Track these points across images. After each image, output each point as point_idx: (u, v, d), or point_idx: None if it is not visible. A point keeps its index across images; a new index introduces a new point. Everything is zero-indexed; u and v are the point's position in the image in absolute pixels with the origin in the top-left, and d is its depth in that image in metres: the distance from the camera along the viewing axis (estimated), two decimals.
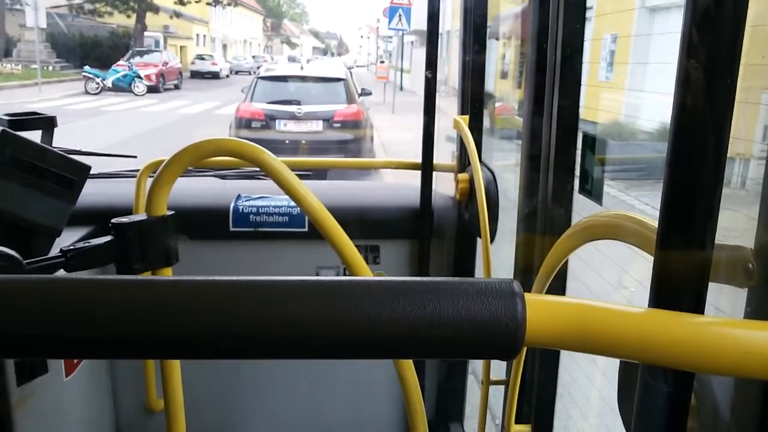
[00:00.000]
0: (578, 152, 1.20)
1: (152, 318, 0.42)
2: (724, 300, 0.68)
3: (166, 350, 0.47)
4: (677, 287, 0.53)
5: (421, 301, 0.42)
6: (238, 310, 0.42)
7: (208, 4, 38.42)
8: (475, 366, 2.61)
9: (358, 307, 0.42)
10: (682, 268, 0.53)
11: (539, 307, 0.44)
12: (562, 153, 1.16)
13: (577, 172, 1.22)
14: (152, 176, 1.17)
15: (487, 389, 1.55)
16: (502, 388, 1.52)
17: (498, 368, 1.58)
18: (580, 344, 0.45)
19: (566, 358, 1.48)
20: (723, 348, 0.43)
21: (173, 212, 1.17)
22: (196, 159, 1.14)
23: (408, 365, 1.11)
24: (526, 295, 0.43)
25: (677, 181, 0.53)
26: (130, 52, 25.65)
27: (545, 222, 1.22)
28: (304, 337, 0.42)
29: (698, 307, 0.53)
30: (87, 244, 1.13)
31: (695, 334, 0.44)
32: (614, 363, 0.82)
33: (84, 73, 21.61)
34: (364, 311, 0.42)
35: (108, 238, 1.15)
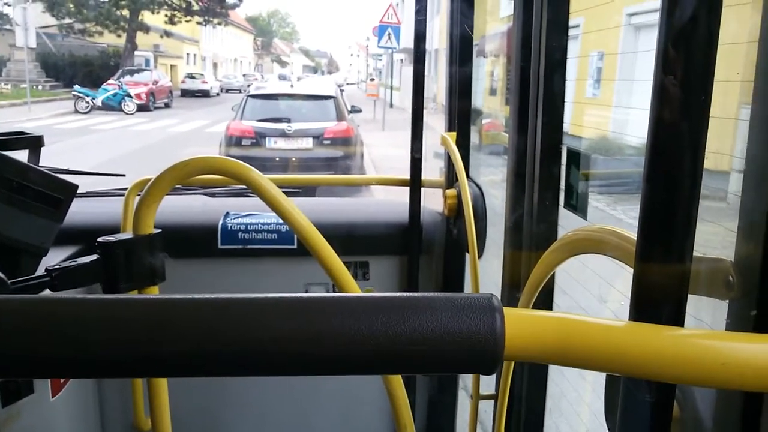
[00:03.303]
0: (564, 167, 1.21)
1: (134, 336, 0.42)
2: (707, 314, 0.68)
3: (149, 369, 0.47)
4: (657, 300, 0.53)
5: (401, 317, 0.42)
6: (218, 328, 0.42)
7: (198, 23, 38.60)
8: (467, 381, 2.60)
9: (337, 323, 0.42)
10: (661, 281, 0.53)
11: (518, 321, 0.44)
12: (546, 168, 1.17)
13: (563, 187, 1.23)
14: (141, 195, 1.17)
15: (476, 404, 1.54)
16: (494, 405, 1.51)
17: (489, 383, 1.58)
18: (561, 358, 0.45)
19: (556, 372, 1.49)
20: (700, 359, 0.43)
21: (160, 230, 1.17)
22: (183, 177, 1.14)
23: (397, 380, 1.11)
24: (505, 310, 0.44)
25: (655, 195, 0.53)
26: (120, 71, 25.68)
27: (531, 237, 1.23)
28: (284, 353, 0.43)
29: (678, 320, 0.53)
30: (72, 264, 1.12)
31: (673, 347, 0.44)
32: (603, 377, 0.82)
33: (74, 92, 21.61)
34: (343, 327, 0.42)
35: (94, 257, 1.15)
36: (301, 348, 0.42)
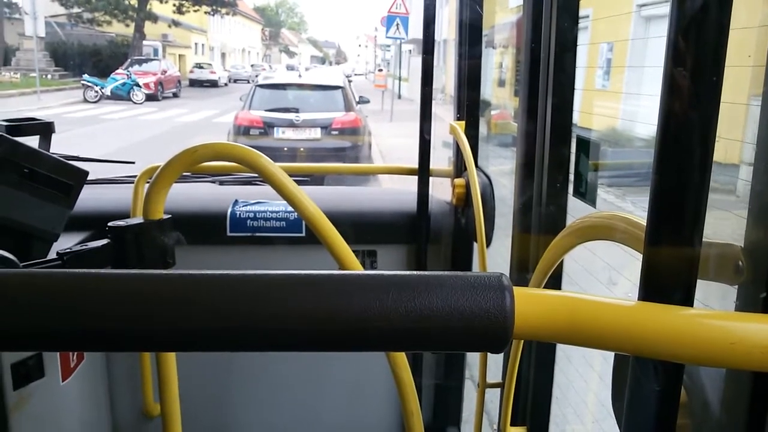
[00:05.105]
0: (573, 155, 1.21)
1: (146, 311, 0.43)
2: (716, 303, 0.68)
3: (158, 343, 0.48)
4: (666, 281, 0.53)
5: (411, 294, 0.42)
6: (228, 303, 0.43)
7: (206, 13, 38.60)
8: (473, 371, 2.60)
9: (348, 299, 0.42)
10: (671, 263, 0.53)
11: (528, 300, 0.45)
12: (555, 156, 1.17)
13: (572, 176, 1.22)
14: (150, 181, 1.18)
15: (483, 392, 1.55)
16: (500, 393, 1.52)
17: (495, 372, 1.58)
18: (570, 336, 0.46)
19: (562, 360, 1.49)
20: (709, 339, 0.43)
21: (170, 216, 1.18)
22: (192, 163, 1.15)
23: (405, 368, 1.11)
24: (515, 288, 0.44)
25: (665, 180, 0.53)
26: (129, 60, 25.70)
27: (540, 225, 1.23)
28: (295, 329, 0.43)
29: (687, 300, 0.53)
30: (83, 247, 1.13)
31: (682, 326, 0.44)
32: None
33: (83, 82, 21.66)
34: (354, 304, 0.42)
35: (105, 241, 1.16)
36: (311, 324, 0.43)
